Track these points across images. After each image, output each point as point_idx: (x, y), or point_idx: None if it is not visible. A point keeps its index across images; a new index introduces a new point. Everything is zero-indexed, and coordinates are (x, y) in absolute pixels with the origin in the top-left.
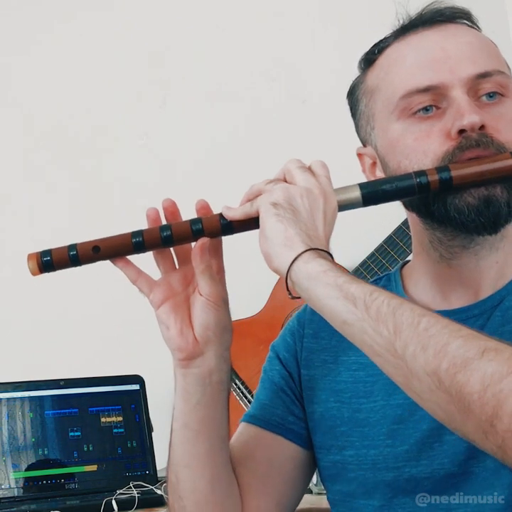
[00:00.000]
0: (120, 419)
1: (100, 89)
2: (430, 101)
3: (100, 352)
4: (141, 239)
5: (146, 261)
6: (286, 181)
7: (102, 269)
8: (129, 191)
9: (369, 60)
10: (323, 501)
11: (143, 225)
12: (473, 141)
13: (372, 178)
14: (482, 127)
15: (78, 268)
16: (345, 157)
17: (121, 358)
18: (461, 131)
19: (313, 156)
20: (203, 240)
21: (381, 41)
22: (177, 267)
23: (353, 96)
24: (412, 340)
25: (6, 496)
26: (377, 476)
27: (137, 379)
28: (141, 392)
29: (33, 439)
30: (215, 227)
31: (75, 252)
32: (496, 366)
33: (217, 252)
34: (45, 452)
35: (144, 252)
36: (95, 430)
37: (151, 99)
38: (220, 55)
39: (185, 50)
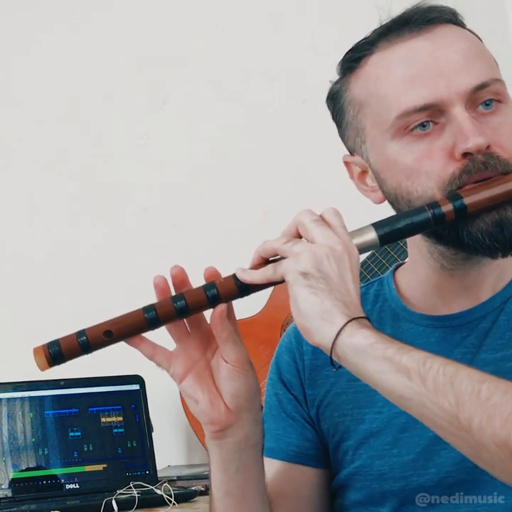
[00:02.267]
0: (120, 419)
1: (100, 89)
2: (427, 117)
3: (100, 352)
4: (154, 314)
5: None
6: (300, 236)
7: (102, 269)
8: (129, 191)
9: (351, 67)
10: None
11: (143, 224)
12: (480, 164)
13: (364, 186)
14: (487, 147)
15: (78, 268)
16: None
17: (121, 358)
18: (466, 153)
19: (313, 156)
20: (222, 307)
21: (362, 46)
22: (189, 331)
23: (336, 103)
24: (477, 412)
25: (6, 495)
26: (384, 487)
27: (137, 379)
28: (141, 392)
29: (33, 439)
30: (231, 291)
31: (84, 338)
32: None
33: (230, 315)
34: (45, 452)
35: (158, 327)
36: (95, 430)
37: (151, 99)
38: (220, 55)
39: (185, 50)
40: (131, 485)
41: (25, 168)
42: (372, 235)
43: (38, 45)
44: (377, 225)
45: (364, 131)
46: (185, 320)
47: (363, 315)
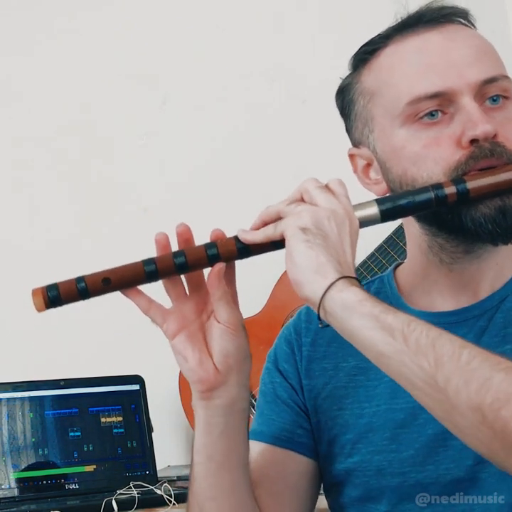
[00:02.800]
0: (120, 419)
1: (100, 89)
2: (436, 106)
3: (100, 352)
4: (153, 267)
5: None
6: (304, 201)
7: (102, 269)
8: (129, 191)
9: (364, 59)
10: (323, 501)
11: (143, 224)
12: (487, 151)
13: (367, 180)
14: (494, 136)
15: (78, 268)
16: (346, 157)
17: (121, 358)
18: (473, 141)
19: (313, 155)
20: (220, 266)
21: (376, 40)
22: (188, 293)
23: (346, 96)
24: (455, 374)
25: (6, 496)
26: (382, 482)
27: (137, 379)
28: (141, 392)
29: (33, 439)
30: (231, 252)
31: (83, 284)
32: None
33: (231, 277)
34: (45, 452)
35: (157, 280)
36: (95, 430)
37: (151, 99)
38: (220, 55)
39: (186, 50)
40: (131, 485)
41: (25, 167)
42: (374, 210)
43: (37, 45)
44: (379, 201)
45: (373, 120)
46: (185, 282)
47: (355, 276)
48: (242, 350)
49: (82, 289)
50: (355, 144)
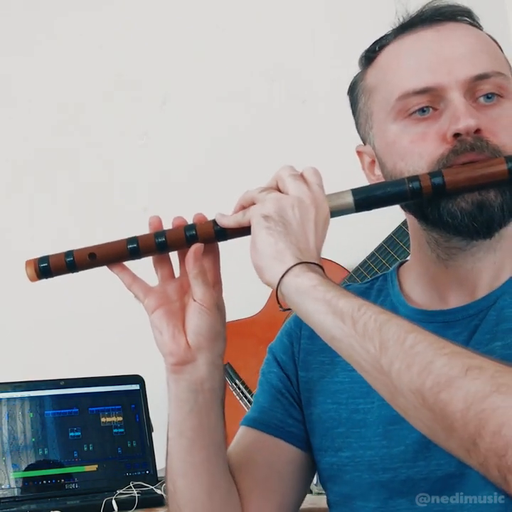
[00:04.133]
0: (120, 419)
1: (100, 89)
2: (427, 102)
3: (100, 352)
4: (136, 245)
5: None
6: (278, 189)
7: (101, 269)
8: (129, 191)
9: (369, 57)
10: (323, 501)
11: (142, 224)
12: (468, 145)
13: (372, 176)
14: (478, 131)
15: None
16: (345, 157)
17: (121, 358)
18: (457, 135)
19: (313, 155)
20: (197, 246)
21: (381, 39)
22: (176, 276)
23: (353, 93)
24: (398, 358)
25: (6, 495)
26: (374, 477)
27: (137, 379)
28: (141, 392)
29: (33, 439)
30: (209, 234)
31: (71, 259)
32: (480, 385)
33: (214, 262)
34: (45, 452)
35: (139, 257)
36: (95, 430)
37: (151, 99)
38: (220, 55)
39: (186, 50)
40: (131, 485)
41: (25, 167)
42: (348, 199)
43: (38, 46)
44: (355, 191)
45: (372, 116)
46: (179, 264)
47: (315, 262)
48: (215, 330)
49: (70, 262)
50: (363, 140)
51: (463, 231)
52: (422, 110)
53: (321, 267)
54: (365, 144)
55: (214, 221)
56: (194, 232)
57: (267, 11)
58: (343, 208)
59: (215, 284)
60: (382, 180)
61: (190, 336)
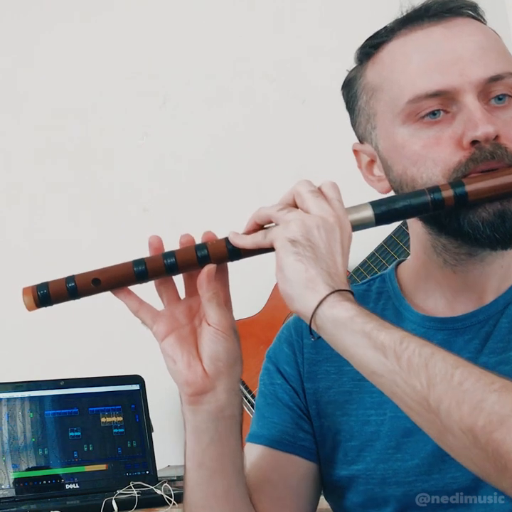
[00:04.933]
0: (120, 419)
1: (100, 89)
2: (438, 105)
3: (100, 352)
4: (143, 268)
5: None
6: (296, 205)
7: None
8: (129, 191)
9: (368, 53)
10: (323, 501)
11: (142, 224)
12: (487, 153)
13: (371, 176)
14: (496, 137)
15: (78, 268)
16: (345, 157)
17: (121, 358)
18: (474, 142)
19: (313, 155)
20: (210, 267)
21: (381, 33)
22: (181, 298)
23: (351, 90)
24: (447, 396)
25: (6, 496)
26: (387, 491)
27: (137, 379)
28: (141, 392)
29: (33, 439)
30: (222, 253)
31: (73, 284)
32: None
33: (223, 280)
34: (45, 452)
35: (146, 281)
36: (95, 430)
37: (151, 99)
38: (220, 55)
39: (186, 50)
40: (131, 485)
41: (25, 167)
42: (368, 213)
43: (38, 45)
44: (374, 204)
45: (375, 116)
46: (184, 285)
47: (347, 288)
48: (233, 354)
49: (72, 288)
50: (360, 139)
51: (484, 242)
52: (433, 113)
53: (352, 292)
54: (362, 143)
55: (226, 240)
56: (206, 252)
57: (268, 11)
58: (364, 222)
59: (226, 302)
60: (384, 181)
61: (207, 363)
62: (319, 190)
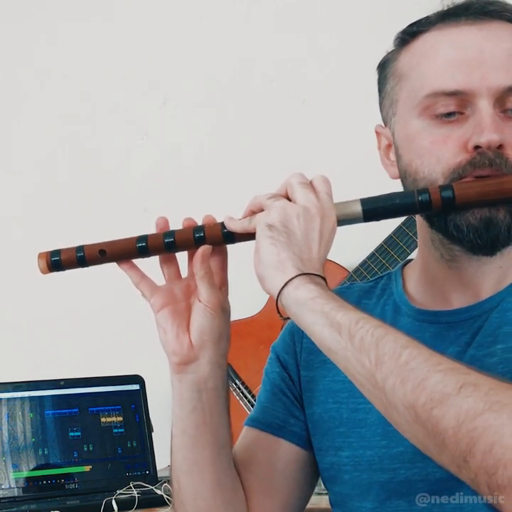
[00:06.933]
0: (120, 419)
1: (100, 89)
2: (454, 106)
3: (100, 352)
4: (145, 244)
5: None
6: (287, 196)
7: (102, 269)
8: (129, 191)
9: (404, 39)
10: (322, 501)
11: (143, 224)
12: (486, 160)
13: (386, 160)
14: (500, 146)
15: (77, 268)
16: (345, 157)
17: (121, 358)
18: (478, 147)
19: (313, 155)
20: (205, 248)
21: (421, 22)
22: (183, 277)
23: (383, 71)
24: (393, 373)
25: (6, 496)
26: (372, 477)
27: (137, 379)
28: (141, 392)
29: (33, 439)
30: (217, 236)
31: (82, 254)
32: (472, 403)
33: (222, 264)
34: (45, 452)
35: (147, 256)
36: (95, 430)
37: (151, 99)
38: (220, 55)
39: (186, 50)
40: (131, 485)
41: (25, 168)
42: (357, 208)
43: (38, 46)
44: (364, 200)
45: (397, 103)
46: (188, 264)
47: (317, 273)
48: (218, 330)
49: (81, 257)
50: (384, 121)
51: (466, 245)
52: (448, 114)
53: (323, 277)
54: (385, 126)
55: (222, 224)
56: (202, 234)
57: (268, 11)
58: (352, 217)
59: (222, 285)
60: (395, 167)
61: (194, 336)
62: (310, 183)
